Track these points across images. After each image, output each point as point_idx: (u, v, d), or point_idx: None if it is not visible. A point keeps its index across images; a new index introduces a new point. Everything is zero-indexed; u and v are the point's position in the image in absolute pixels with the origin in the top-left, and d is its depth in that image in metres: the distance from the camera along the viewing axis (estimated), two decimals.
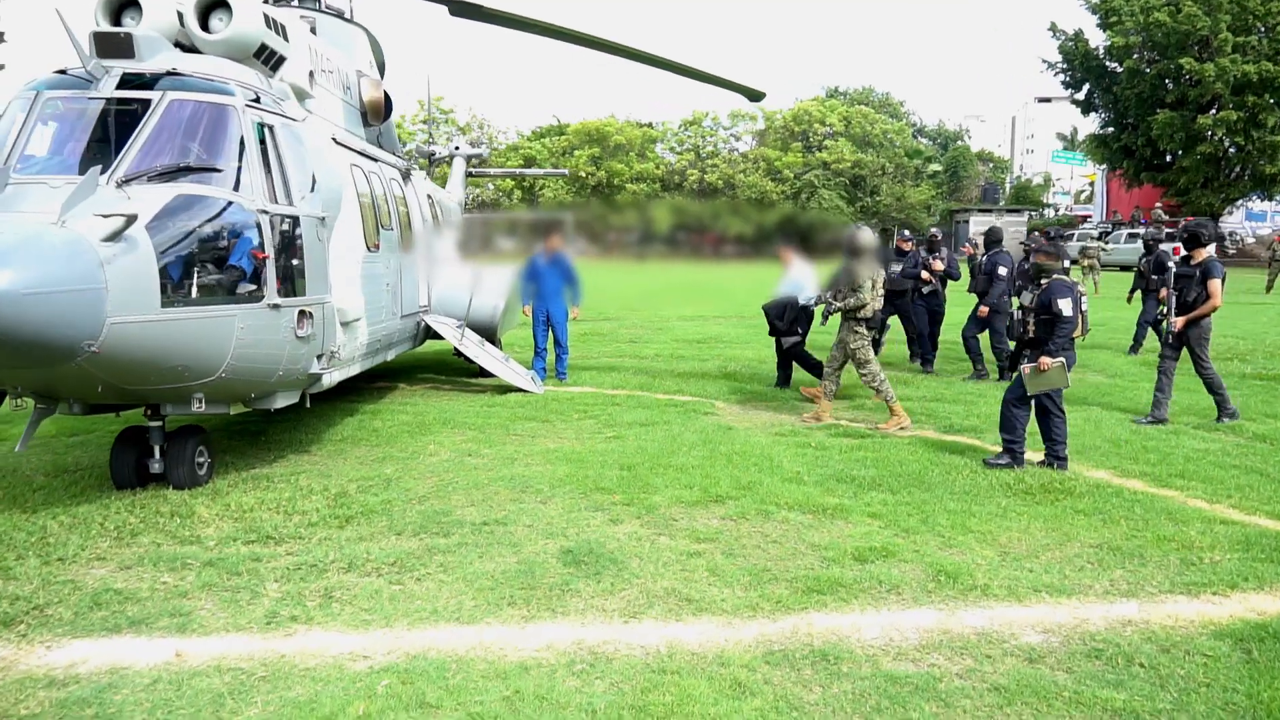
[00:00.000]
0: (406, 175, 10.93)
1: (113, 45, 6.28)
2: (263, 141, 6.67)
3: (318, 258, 7.13)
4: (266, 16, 7.34)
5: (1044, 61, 48.35)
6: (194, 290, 5.80)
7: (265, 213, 6.40)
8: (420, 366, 13.14)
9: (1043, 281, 7.33)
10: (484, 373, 11.18)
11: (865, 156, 60.87)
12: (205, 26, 7.14)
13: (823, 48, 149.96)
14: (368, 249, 8.56)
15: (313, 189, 7.18)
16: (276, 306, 6.48)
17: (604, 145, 62.14)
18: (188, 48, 7.16)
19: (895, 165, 62.45)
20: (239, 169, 6.37)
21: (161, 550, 5.50)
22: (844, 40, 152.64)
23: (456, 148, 18.11)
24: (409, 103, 69.37)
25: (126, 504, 6.31)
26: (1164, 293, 8.98)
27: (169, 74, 6.36)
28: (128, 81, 6.27)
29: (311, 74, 8.02)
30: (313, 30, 9.55)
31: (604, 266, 9.03)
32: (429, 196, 12.37)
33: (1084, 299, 7.32)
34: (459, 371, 12.57)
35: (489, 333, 11.66)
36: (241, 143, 6.42)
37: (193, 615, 4.62)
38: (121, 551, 5.49)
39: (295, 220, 6.81)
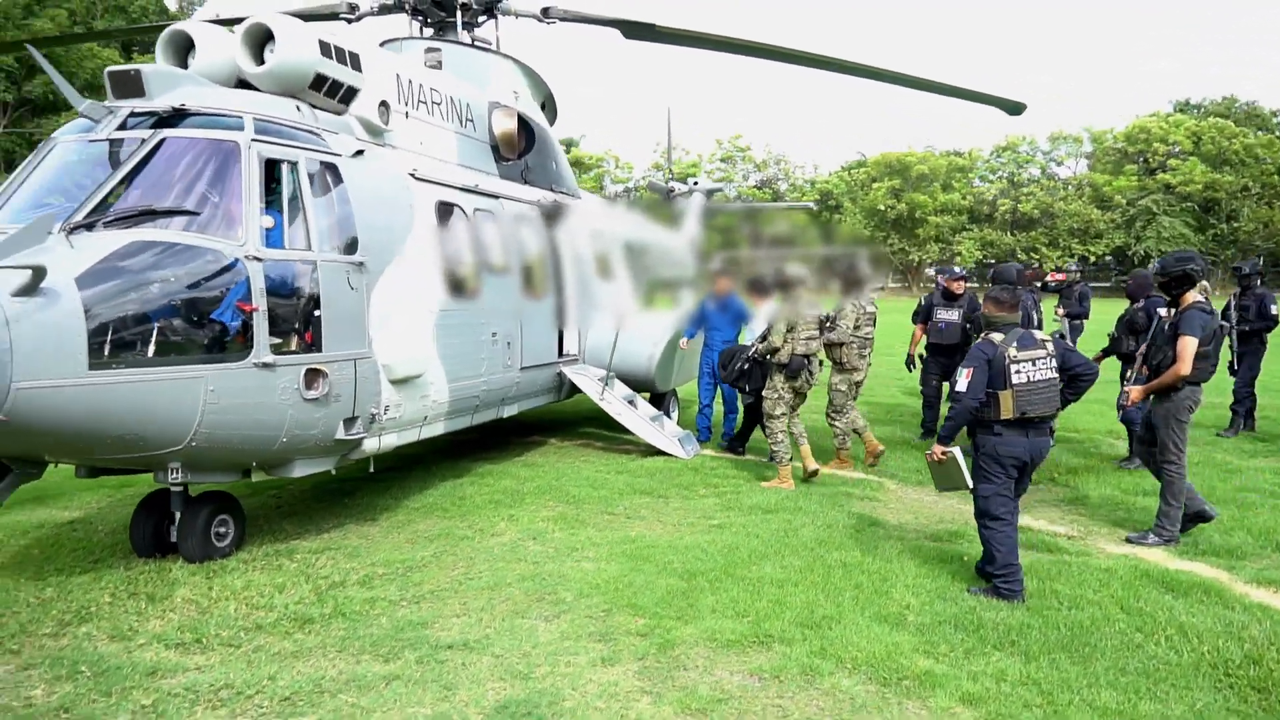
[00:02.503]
0: (552, 213, 9.97)
1: (124, 84, 5.88)
2: (273, 180, 5.95)
3: (348, 308, 6.27)
4: (325, 45, 6.68)
5: None
6: (145, 349, 5.09)
7: (257, 259, 5.62)
8: (590, 419, 12.09)
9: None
10: None
11: (1221, 176, 52.31)
12: (261, 60, 6.62)
13: (1171, 56, 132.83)
14: (455, 295, 7.63)
15: (349, 231, 6.37)
16: (268, 365, 5.67)
17: (905, 176, 58.73)
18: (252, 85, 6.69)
19: (1262, 185, 53.05)
20: (235, 211, 5.66)
21: (80, 647, 4.78)
22: (1198, 46, 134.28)
23: (695, 183, 17.32)
24: (708, 141, 70.19)
25: (120, 578, 5.77)
26: (1140, 354, 6.53)
27: (175, 111, 5.83)
28: (135, 121, 5.82)
29: (385, 105, 7.26)
30: (438, 64, 8.94)
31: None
32: (599, 232, 11.27)
33: (1029, 365, 5.04)
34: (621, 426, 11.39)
35: (645, 385, 10.36)
36: (242, 182, 5.72)
37: None
38: (45, 644, 4.85)
39: (311, 266, 6.01)
